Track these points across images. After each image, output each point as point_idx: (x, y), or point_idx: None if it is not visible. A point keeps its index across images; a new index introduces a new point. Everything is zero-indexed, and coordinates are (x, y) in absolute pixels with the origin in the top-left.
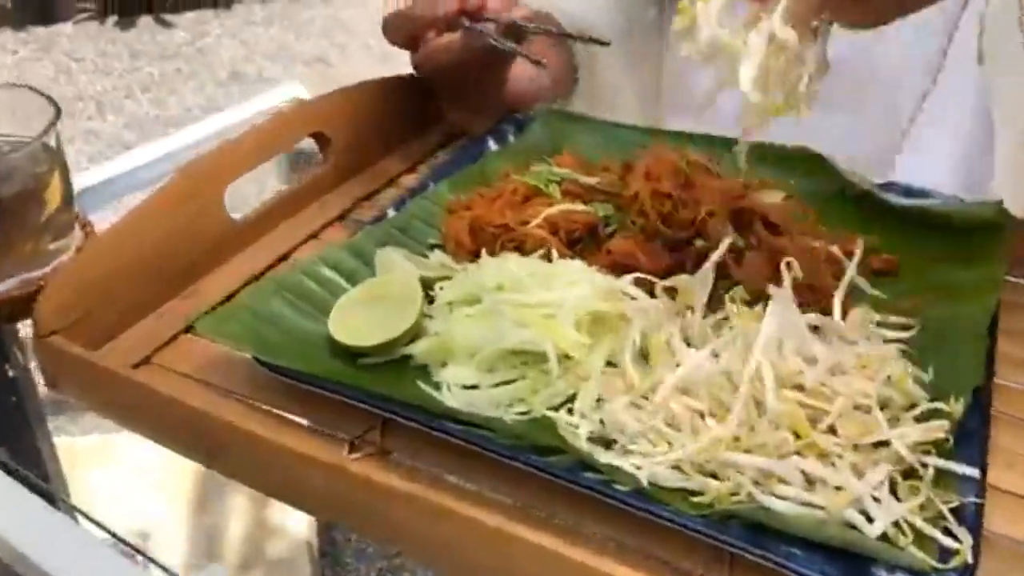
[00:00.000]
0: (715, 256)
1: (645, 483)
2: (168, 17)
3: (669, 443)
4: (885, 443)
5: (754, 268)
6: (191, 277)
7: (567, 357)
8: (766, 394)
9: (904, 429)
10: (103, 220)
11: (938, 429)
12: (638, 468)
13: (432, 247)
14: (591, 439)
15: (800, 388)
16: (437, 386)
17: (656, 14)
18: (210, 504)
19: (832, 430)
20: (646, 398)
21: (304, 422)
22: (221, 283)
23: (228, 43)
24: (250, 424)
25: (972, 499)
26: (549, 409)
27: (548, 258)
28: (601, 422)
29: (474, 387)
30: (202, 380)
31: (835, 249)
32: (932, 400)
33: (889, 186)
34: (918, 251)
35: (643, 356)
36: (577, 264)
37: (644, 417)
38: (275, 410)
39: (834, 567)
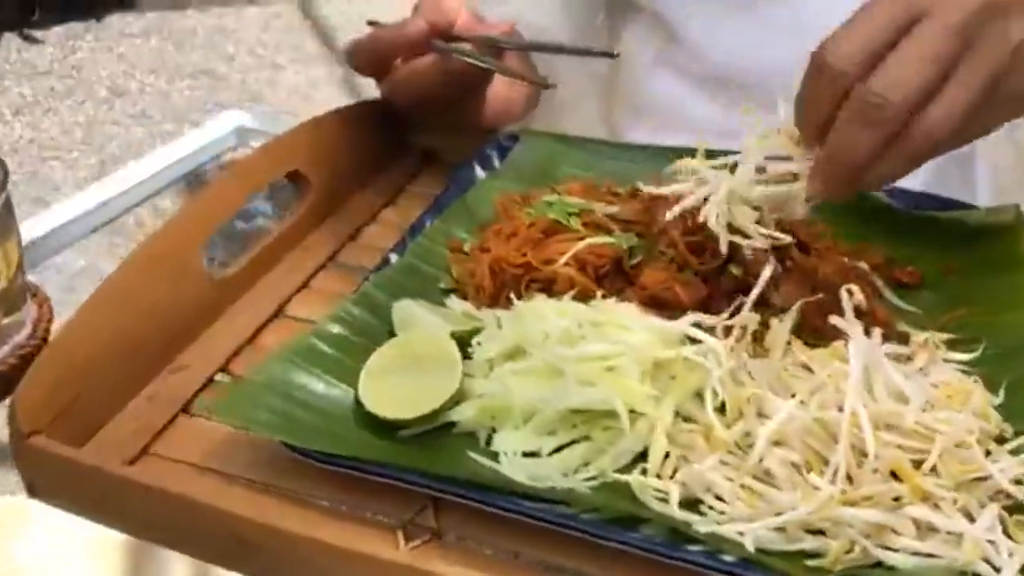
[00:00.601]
0: (759, 286)
1: (752, 549)
2: (35, 33)
3: (766, 501)
4: (982, 478)
5: (793, 293)
6: (176, 347)
7: (632, 412)
8: (866, 441)
9: (1004, 463)
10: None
11: None
12: (741, 534)
13: (445, 292)
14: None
15: (891, 428)
16: (491, 455)
17: (604, 19)
18: (145, 570)
19: (932, 470)
20: (731, 453)
21: (343, 509)
22: (211, 350)
23: (104, 57)
24: (279, 517)
25: None
26: (618, 471)
27: (579, 298)
28: (682, 483)
29: (533, 454)
30: (212, 469)
31: (863, 265)
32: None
33: (892, 193)
34: (936, 261)
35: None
36: (624, 307)
37: (736, 475)
38: (306, 497)
39: None
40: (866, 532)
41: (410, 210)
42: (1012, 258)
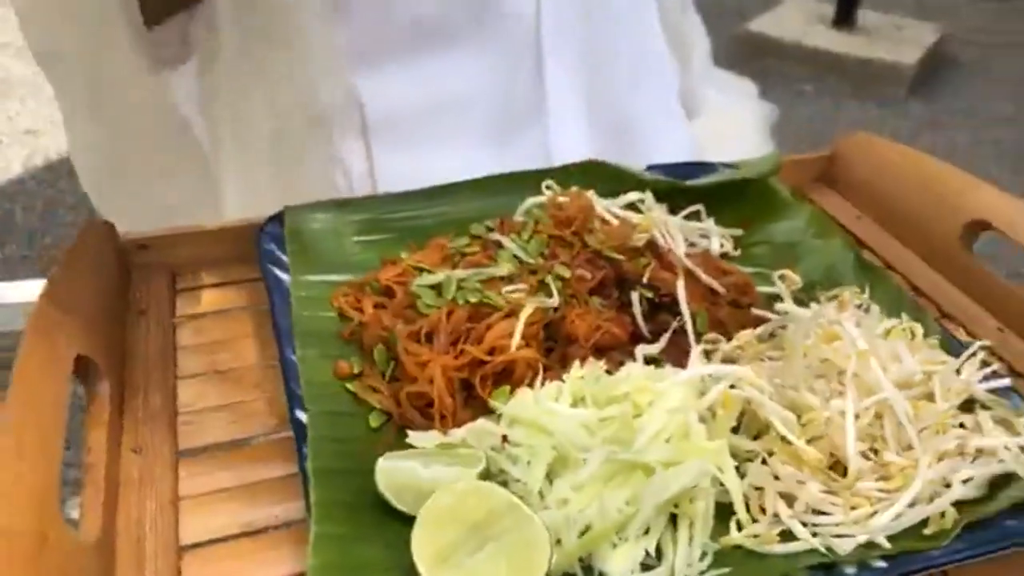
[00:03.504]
0: (682, 299)
1: (887, 544)
2: None
3: (857, 495)
4: None
5: (696, 294)
6: None
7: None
8: (905, 409)
9: (965, 372)
10: None
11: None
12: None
13: (375, 430)
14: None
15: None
16: None
17: None
18: None
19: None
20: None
21: None
22: None
23: None
24: None
25: None
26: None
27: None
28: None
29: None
30: None
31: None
32: None
33: (653, 169)
34: (727, 224)
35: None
36: (632, 368)
37: (837, 486)
38: None
39: None
40: (945, 483)
41: (208, 349)
42: (784, 199)
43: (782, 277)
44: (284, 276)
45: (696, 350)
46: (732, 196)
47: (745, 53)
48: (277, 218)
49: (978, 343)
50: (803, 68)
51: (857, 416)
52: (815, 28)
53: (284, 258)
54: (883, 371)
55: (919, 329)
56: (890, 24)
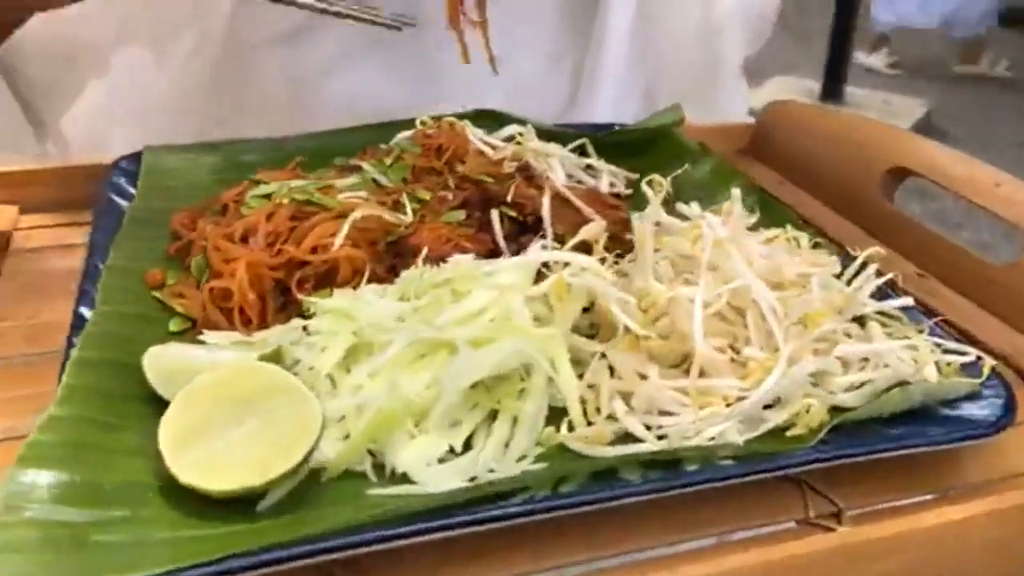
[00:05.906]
0: (546, 214)
1: (741, 442)
2: None
3: (712, 394)
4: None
5: (559, 212)
6: None
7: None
8: (772, 304)
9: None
10: None
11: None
12: (711, 438)
13: (181, 333)
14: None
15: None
16: (395, 479)
17: None
18: None
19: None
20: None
21: None
22: None
23: None
24: None
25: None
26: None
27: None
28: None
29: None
30: None
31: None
32: None
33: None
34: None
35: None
36: (459, 259)
37: (681, 382)
38: None
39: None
40: (814, 383)
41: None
42: (690, 149)
43: (650, 183)
44: (123, 202)
45: (536, 243)
46: (635, 150)
47: None
48: (135, 156)
49: (868, 251)
50: None
51: (710, 305)
52: None
53: (132, 191)
54: (748, 265)
55: (804, 239)
56: (878, 99)
